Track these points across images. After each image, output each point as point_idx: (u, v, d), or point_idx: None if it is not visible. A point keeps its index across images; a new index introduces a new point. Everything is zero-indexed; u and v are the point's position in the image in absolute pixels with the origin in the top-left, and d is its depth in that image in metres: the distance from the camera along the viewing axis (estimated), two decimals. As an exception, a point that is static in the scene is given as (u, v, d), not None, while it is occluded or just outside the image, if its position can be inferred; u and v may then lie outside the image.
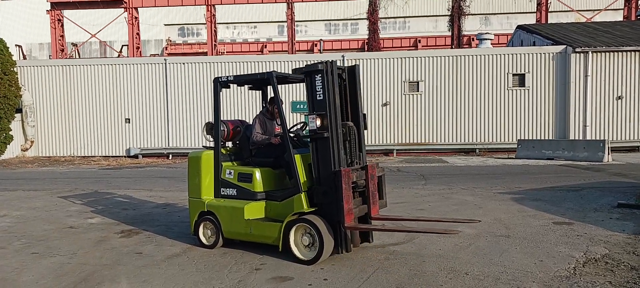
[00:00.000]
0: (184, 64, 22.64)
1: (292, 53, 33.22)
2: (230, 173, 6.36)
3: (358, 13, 42.38)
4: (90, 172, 17.08)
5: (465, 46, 36.85)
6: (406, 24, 48.78)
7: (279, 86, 6.18)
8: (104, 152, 22.64)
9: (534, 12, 34.60)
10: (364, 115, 6.18)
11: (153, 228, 7.77)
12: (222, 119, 6.60)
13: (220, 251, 6.30)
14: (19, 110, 22.05)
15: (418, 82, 21.57)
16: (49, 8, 33.62)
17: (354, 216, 5.63)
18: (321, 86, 5.65)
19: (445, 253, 5.96)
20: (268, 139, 6.48)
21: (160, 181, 14.04)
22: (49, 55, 44.51)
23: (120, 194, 11.52)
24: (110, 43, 43.89)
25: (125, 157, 22.37)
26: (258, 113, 6.77)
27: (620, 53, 20.41)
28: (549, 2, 32.54)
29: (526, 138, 20.53)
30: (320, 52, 41.37)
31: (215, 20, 34.23)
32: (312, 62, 6.80)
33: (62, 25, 34.03)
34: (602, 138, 19.62)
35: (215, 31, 34.49)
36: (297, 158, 5.86)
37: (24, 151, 22.58)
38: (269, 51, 45.29)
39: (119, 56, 40.77)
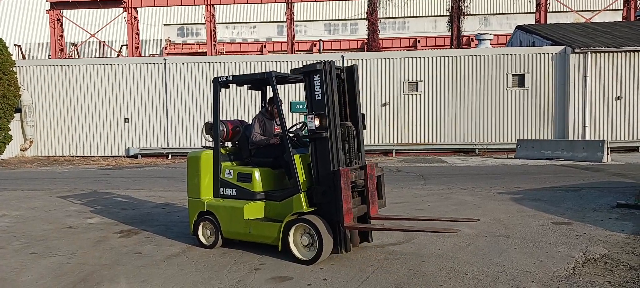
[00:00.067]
0: (183, 63, 22.62)
1: (292, 53, 33.25)
2: (229, 173, 6.35)
3: (357, 13, 42.42)
4: (90, 172, 17.07)
5: (464, 46, 36.86)
6: (405, 24, 48.81)
7: (279, 86, 6.17)
8: (103, 152, 22.62)
9: (533, 13, 34.65)
10: (363, 115, 6.17)
11: (152, 228, 7.76)
12: (221, 118, 6.59)
13: (220, 251, 6.30)
14: (18, 110, 22.03)
15: (417, 82, 21.56)
16: (48, 8, 33.64)
17: (353, 216, 5.63)
18: (319, 86, 5.65)
19: (444, 253, 5.96)
20: (267, 139, 6.48)
21: (159, 181, 14.04)
22: (48, 55, 44.51)
23: (119, 194, 11.51)
24: (109, 43, 43.87)
25: (124, 157, 22.35)
26: (257, 113, 6.77)
27: (619, 53, 20.42)
28: (548, 2, 32.58)
29: (525, 138, 20.54)
30: (320, 52, 41.33)
31: (214, 20, 34.21)
32: (311, 62, 6.79)
33: (62, 25, 34.03)
34: (601, 138, 19.62)
35: (214, 31, 34.47)
36: (297, 158, 5.86)
37: (23, 151, 22.56)
38: (269, 51, 45.29)
39: (118, 56, 40.75)
